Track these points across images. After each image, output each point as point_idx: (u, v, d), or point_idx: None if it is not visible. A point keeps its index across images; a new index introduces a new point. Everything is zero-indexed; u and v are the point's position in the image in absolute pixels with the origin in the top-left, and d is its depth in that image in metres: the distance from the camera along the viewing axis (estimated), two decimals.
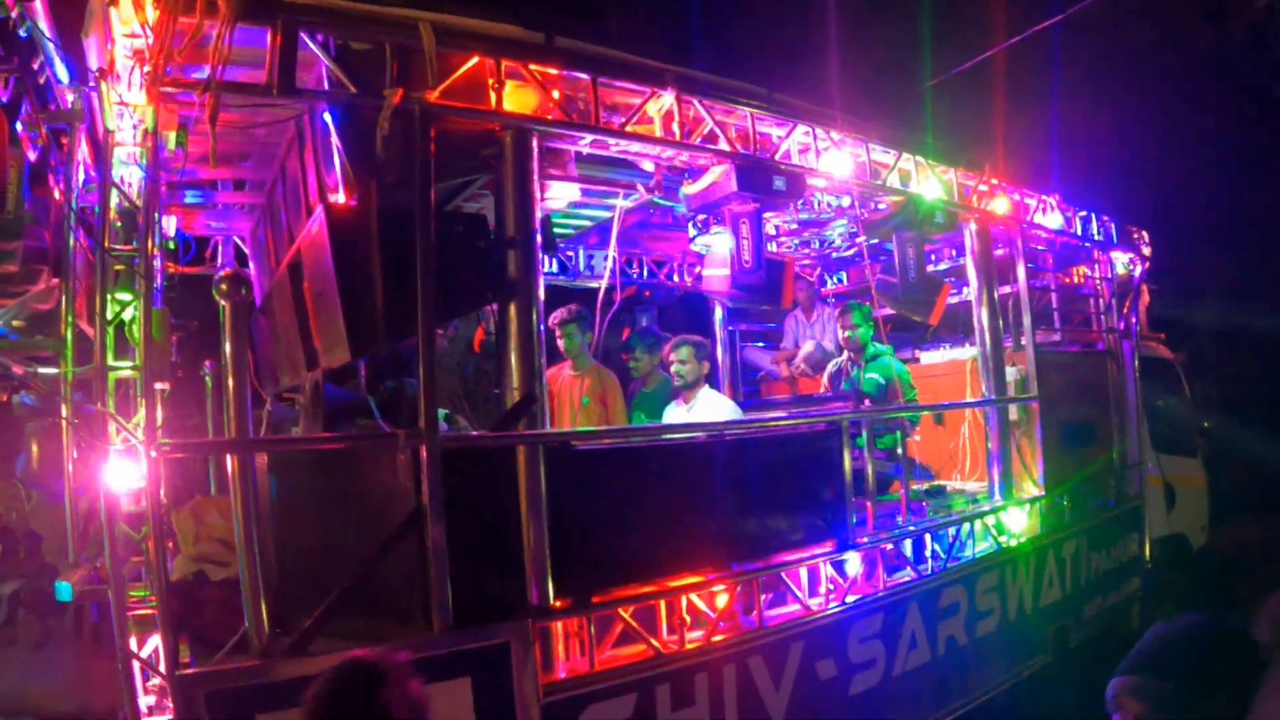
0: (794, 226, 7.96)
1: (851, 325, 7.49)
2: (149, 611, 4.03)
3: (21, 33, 5.01)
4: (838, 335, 7.97)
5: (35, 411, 6.87)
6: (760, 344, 9.88)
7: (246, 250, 7.31)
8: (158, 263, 4.53)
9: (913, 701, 5.99)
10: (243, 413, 3.82)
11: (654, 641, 4.57)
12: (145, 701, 3.90)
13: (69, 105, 5.53)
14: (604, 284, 5.77)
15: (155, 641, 4.58)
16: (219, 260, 7.43)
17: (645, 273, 9.15)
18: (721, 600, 4.85)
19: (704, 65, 5.18)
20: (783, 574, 5.17)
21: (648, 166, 5.43)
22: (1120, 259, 9.15)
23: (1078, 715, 6.79)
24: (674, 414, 6.41)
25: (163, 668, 3.77)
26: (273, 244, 6.13)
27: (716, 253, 5.80)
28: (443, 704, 3.90)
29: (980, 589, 6.57)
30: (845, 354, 7.77)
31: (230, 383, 3.86)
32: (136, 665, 3.85)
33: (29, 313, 5.98)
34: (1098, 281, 8.95)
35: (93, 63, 4.72)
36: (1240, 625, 2.67)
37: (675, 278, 9.38)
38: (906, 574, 6.00)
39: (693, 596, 4.74)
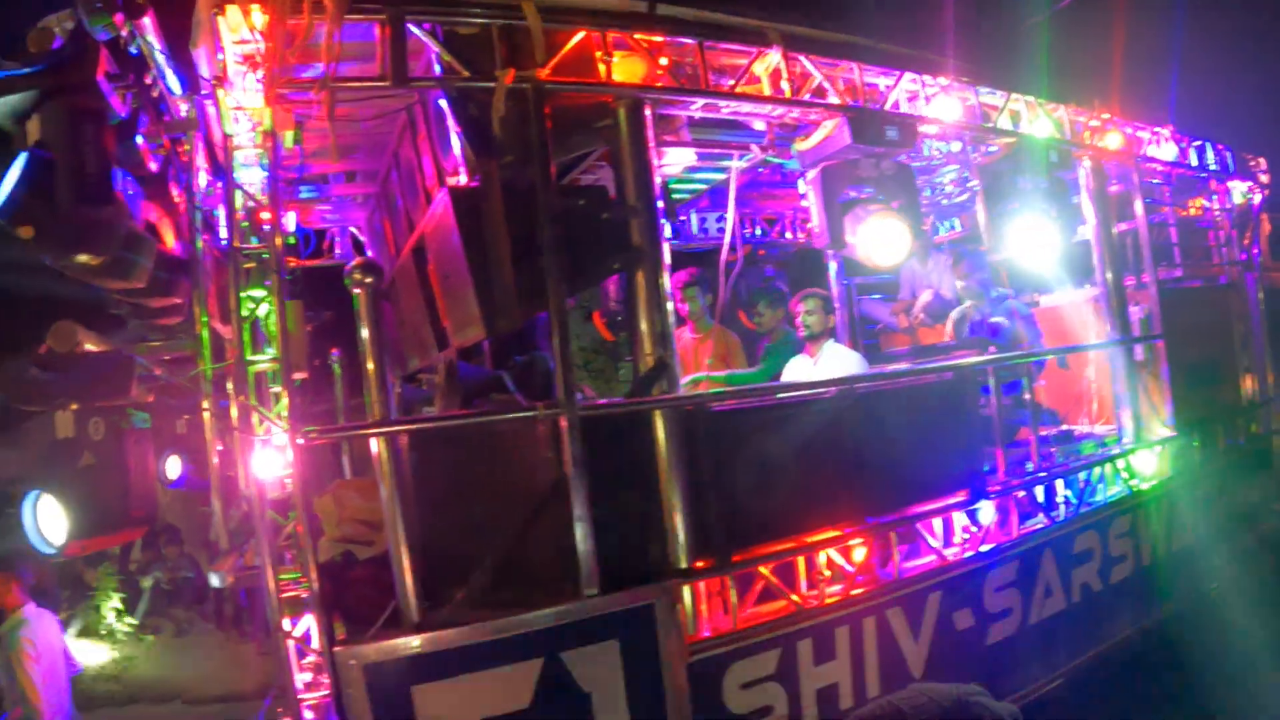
0: None
1: (964, 274, 7.36)
2: (300, 593, 4.21)
3: (133, 49, 5.21)
4: (954, 284, 7.84)
5: (176, 410, 7.20)
6: (877, 296, 9.76)
7: (363, 239, 7.52)
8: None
9: (1048, 650, 5.93)
10: (384, 396, 3.94)
11: (794, 597, 4.63)
12: (301, 679, 4.06)
13: (183, 115, 5.74)
14: (725, 244, 5.78)
15: (307, 621, 4.80)
16: (337, 251, 7.65)
17: (758, 231, 9.15)
18: (859, 554, 4.87)
19: (805, 16, 5.14)
20: (917, 525, 5.15)
21: (758, 126, 5.42)
22: (1238, 188, 8.78)
23: (1211, 662, 6.66)
24: (799, 367, 6.40)
25: (317, 645, 3.95)
26: (390, 231, 6.30)
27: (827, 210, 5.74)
28: (592, 667, 4.03)
29: (1113, 534, 6.45)
30: (968, 301, 7.65)
31: (370, 367, 3.99)
32: (292, 645, 4.02)
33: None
34: (1216, 213, 8.63)
35: (204, 71, 4.88)
36: None
37: (788, 234, 9.34)
38: (1039, 521, 5.92)
39: (830, 551, 4.78)
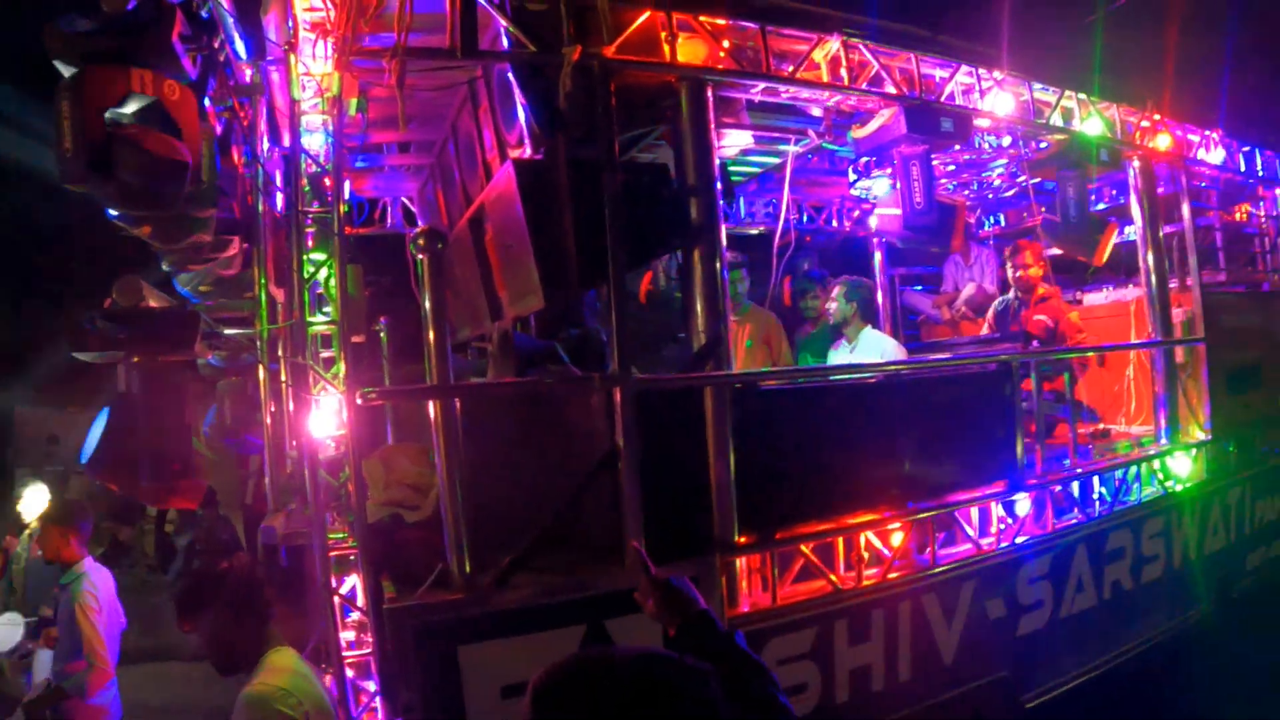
0: (952, 168, 7.87)
1: (1024, 264, 7.39)
2: (347, 552, 4.31)
3: (204, 13, 5.30)
4: (998, 276, 7.87)
5: (221, 371, 7.34)
6: (919, 288, 9.81)
7: (414, 210, 7.60)
8: None
9: (1078, 645, 5.98)
10: (444, 360, 4.00)
11: (833, 577, 4.69)
12: (344, 637, 4.13)
13: (247, 80, 5.84)
14: (779, 229, 5.83)
15: (353, 580, 4.90)
16: (388, 221, 7.75)
17: (804, 218, 9.18)
18: (897, 539, 4.93)
19: (863, 6, 5.19)
20: (955, 513, 5.21)
21: (815, 112, 5.47)
22: None
23: (1237, 667, 6.68)
24: (836, 354, 6.47)
25: (361, 603, 4.05)
26: (444, 202, 6.38)
27: (887, 195, 5.80)
28: (634, 636, 4.10)
29: (1146, 534, 6.48)
30: (1012, 292, 7.67)
31: (430, 333, 4.03)
32: (338, 602, 4.10)
33: (214, 278, 6.37)
34: (1262, 219, 8.60)
35: (272, 38, 4.96)
36: None
37: (834, 222, 9.38)
38: (1074, 516, 5.96)
39: (869, 534, 4.84)
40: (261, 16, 4.86)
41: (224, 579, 3.47)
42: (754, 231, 8.47)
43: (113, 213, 4.37)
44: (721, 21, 4.68)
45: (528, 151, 4.41)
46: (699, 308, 4.40)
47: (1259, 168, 8.27)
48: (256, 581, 3.55)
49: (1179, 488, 6.76)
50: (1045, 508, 5.68)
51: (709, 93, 4.55)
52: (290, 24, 4.30)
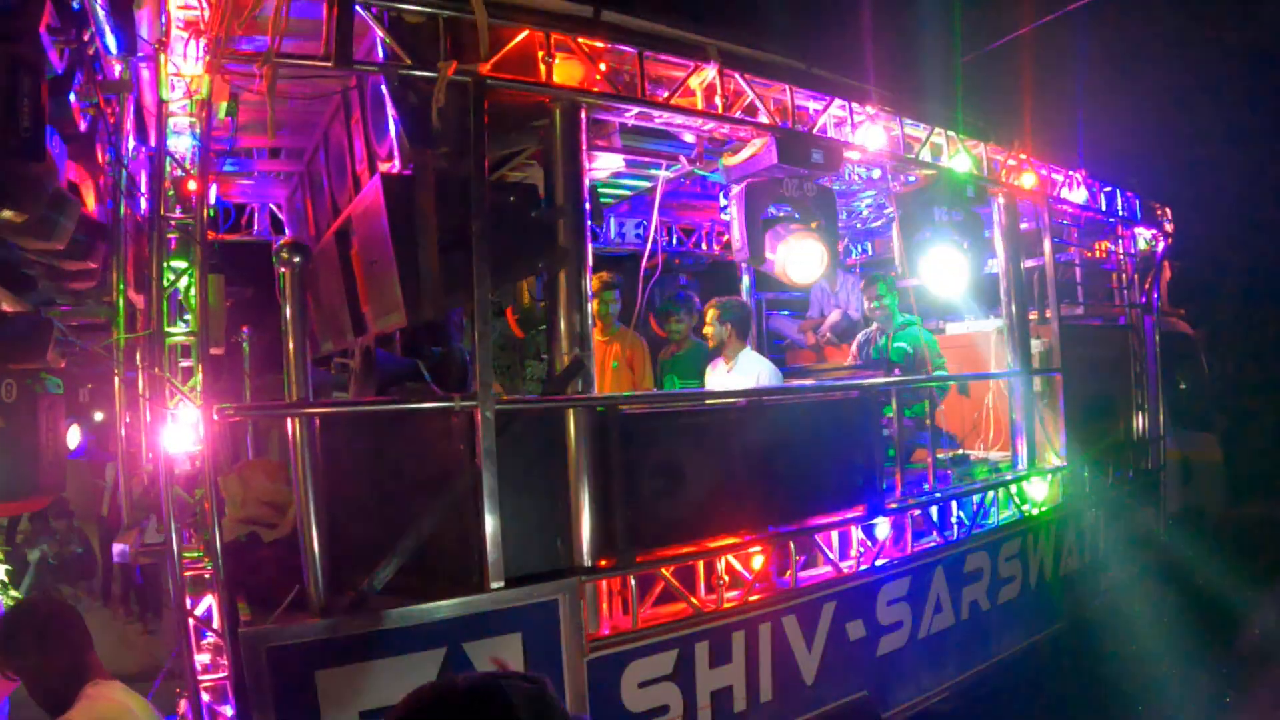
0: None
1: (876, 296, 7.62)
2: (202, 572, 4.17)
3: (75, 4, 5.11)
4: (863, 305, 8.09)
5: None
6: (786, 313, 10.02)
7: (282, 218, 7.44)
8: None
9: (937, 663, 6.16)
10: (303, 377, 3.92)
11: (693, 600, 4.73)
12: (199, 660, 4.01)
13: (116, 76, 5.64)
14: (647, 252, 5.88)
15: (208, 601, 4.74)
16: (255, 228, 7.56)
17: (675, 240, 9.27)
18: (757, 561, 5.00)
19: (742, 35, 5.28)
20: (816, 537, 5.31)
21: (688, 138, 5.54)
22: (1143, 234, 9.24)
23: (1088, 681, 7.01)
24: (714, 375, 6.55)
25: (216, 625, 3.93)
26: (312, 211, 6.25)
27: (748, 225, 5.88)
28: (494, 659, 4.07)
29: (1003, 556, 6.72)
30: (874, 324, 7.89)
31: (290, 347, 3.95)
32: (192, 624, 3.97)
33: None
34: (1121, 256, 9.04)
35: (144, 34, 4.80)
36: None
37: (704, 245, 9.49)
38: (933, 539, 6.14)
39: (730, 558, 4.89)
40: (135, 11, 4.71)
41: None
42: (624, 253, 8.54)
43: None
44: (600, 44, 4.70)
45: (397, 165, 4.35)
46: (563, 328, 4.39)
47: (1119, 207, 8.69)
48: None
49: (1035, 511, 7.03)
50: (905, 531, 5.84)
51: (583, 115, 4.56)
52: (163, 21, 4.16)
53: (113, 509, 9.94)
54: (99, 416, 9.46)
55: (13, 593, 11.11)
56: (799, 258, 5.33)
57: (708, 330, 6.54)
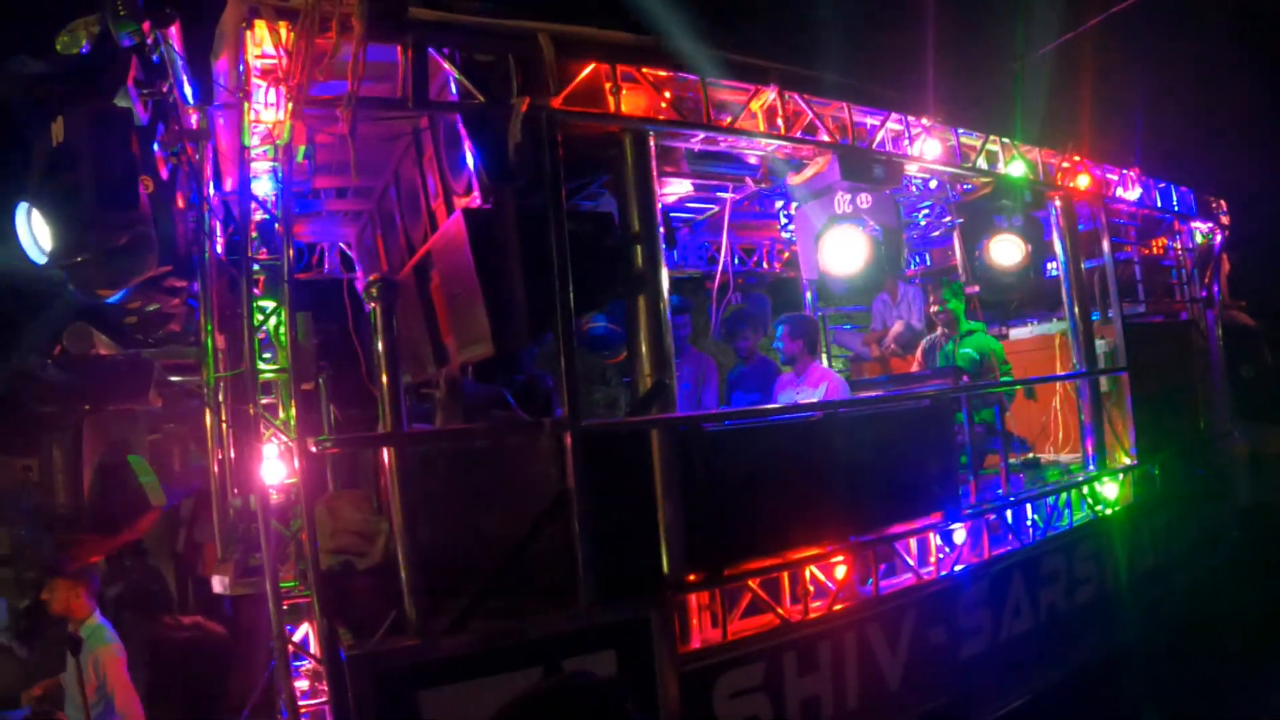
0: None
1: (941, 300, 7.66)
2: (297, 601, 4.30)
3: (155, 58, 5.31)
4: (924, 313, 8.13)
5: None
6: (849, 326, 10.07)
7: (352, 255, 7.62)
8: None
9: (1016, 667, 6.16)
10: (398, 407, 4.06)
11: (779, 611, 4.81)
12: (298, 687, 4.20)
13: (193, 125, 5.84)
14: (719, 273, 6.00)
15: (304, 629, 4.88)
16: (325, 266, 7.75)
17: (736, 260, 9.31)
18: (840, 571, 5.07)
19: (798, 57, 5.39)
20: (895, 544, 5.37)
21: (752, 160, 5.65)
22: (1200, 229, 9.19)
23: (1167, 683, 6.93)
24: (785, 391, 6.63)
25: (315, 650, 4.05)
26: (383, 248, 6.42)
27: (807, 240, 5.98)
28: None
29: (1078, 557, 6.72)
30: (939, 329, 7.93)
31: (384, 379, 4.10)
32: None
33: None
34: (1179, 252, 9.00)
35: (224, 83, 4.98)
36: None
37: (764, 264, 9.57)
38: (1008, 543, 6.16)
39: (813, 568, 4.97)
40: (212, 61, 4.89)
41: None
42: (686, 275, 8.64)
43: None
44: (663, 73, 4.84)
45: (476, 200, 4.49)
46: (644, 351, 4.51)
47: (1174, 202, 8.67)
48: None
49: (1108, 512, 7.02)
50: (981, 536, 5.88)
51: (651, 142, 4.69)
52: (241, 70, 4.34)
53: (189, 544, 10.11)
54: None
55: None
56: (840, 247, 5.40)
57: (777, 346, 6.61)
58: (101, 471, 4.81)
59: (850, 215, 5.53)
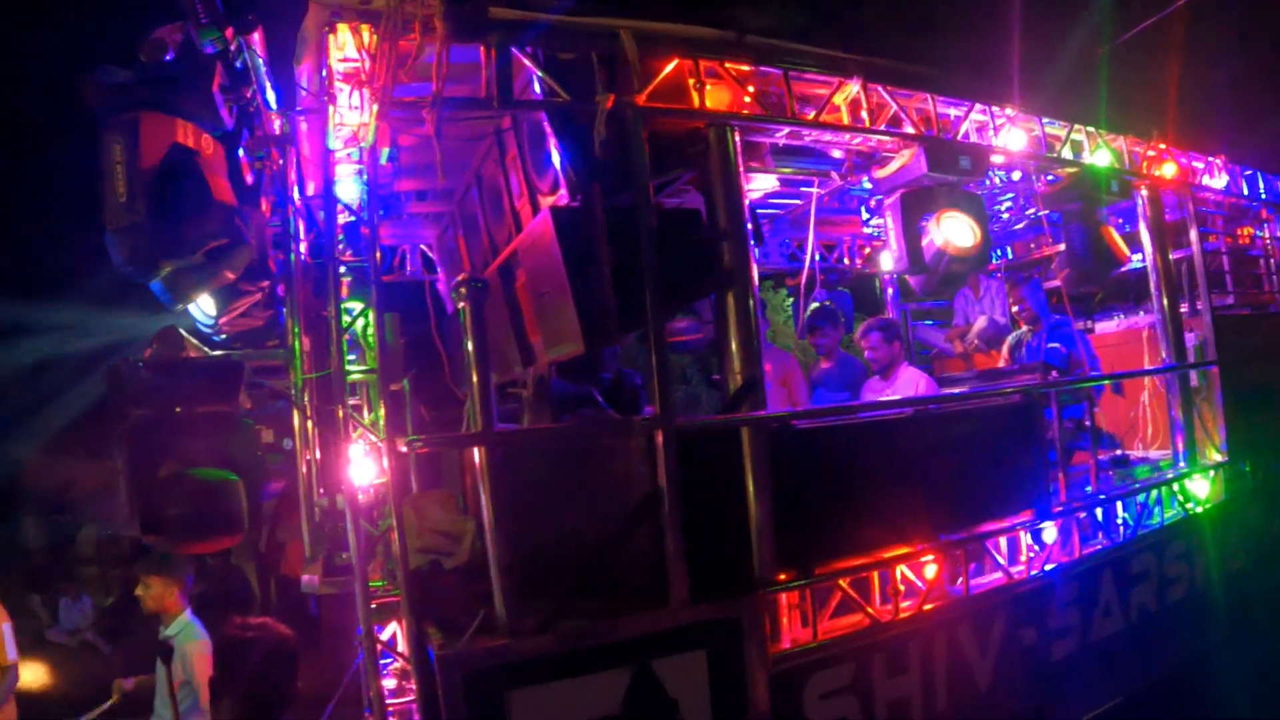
0: None
1: (1021, 298, 7.51)
2: (384, 600, 4.33)
3: (238, 64, 5.39)
4: (1008, 306, 7.99)
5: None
6: (930, 322, 9.94)
7: (434, 257, 7.68)
8: None
9: (1106, 669, 6.02)
10: (488, 407, 4.06)
11: (870, 610, 4.74)
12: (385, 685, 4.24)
13: (276, 130, 5.92)
14: (805, 269, 5.94)
15: (391, 628, 4.92)
16: (408, 268, 7.83)
17: (817, 257, 9.21)
18: (930, 571, 4.99)
19: (869, 40, 5.31)
20: (986, 543, 5.27)
21: (835, 153, 5.58)
22: None
23: (1259, 688, 6.71)
24: (874, 390, 6.55)
25: (403, 649, 4.07)
26: (465, 248, 6.45)
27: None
28: (680, 675, 4.15)
29: (1169, 556, 6.55)
30: (1024, 326, 7.79)
31: (474, 378, 4.09)
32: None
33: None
34: (1267, 241, 8.73)
35: (305, 88, 5.04)
36: None
37: (845, 260, 9.47)
38: (1099, 542, 6.03)
39: (903, 567, 4.90)
40: (295, 67, 4.95)
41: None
42: (766, 272, 8.58)
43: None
44: (746, 67, 4.79)
45: (563, 198, 4.48)
46: (734, 349, 4.47)
47: (1261, 190, 8.42)
48: None
49: (1199, 509, 6.83)
50: (1071, 534, 5.75)
51: (736, 137, 4.65)
52: (324, 75, 4.38)
53: (270, 544, 10.31)
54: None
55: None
56: (955, 228, 5.33)
57: (876, 353, 6.52)
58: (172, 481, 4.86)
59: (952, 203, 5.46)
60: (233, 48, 5.07)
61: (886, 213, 5.41)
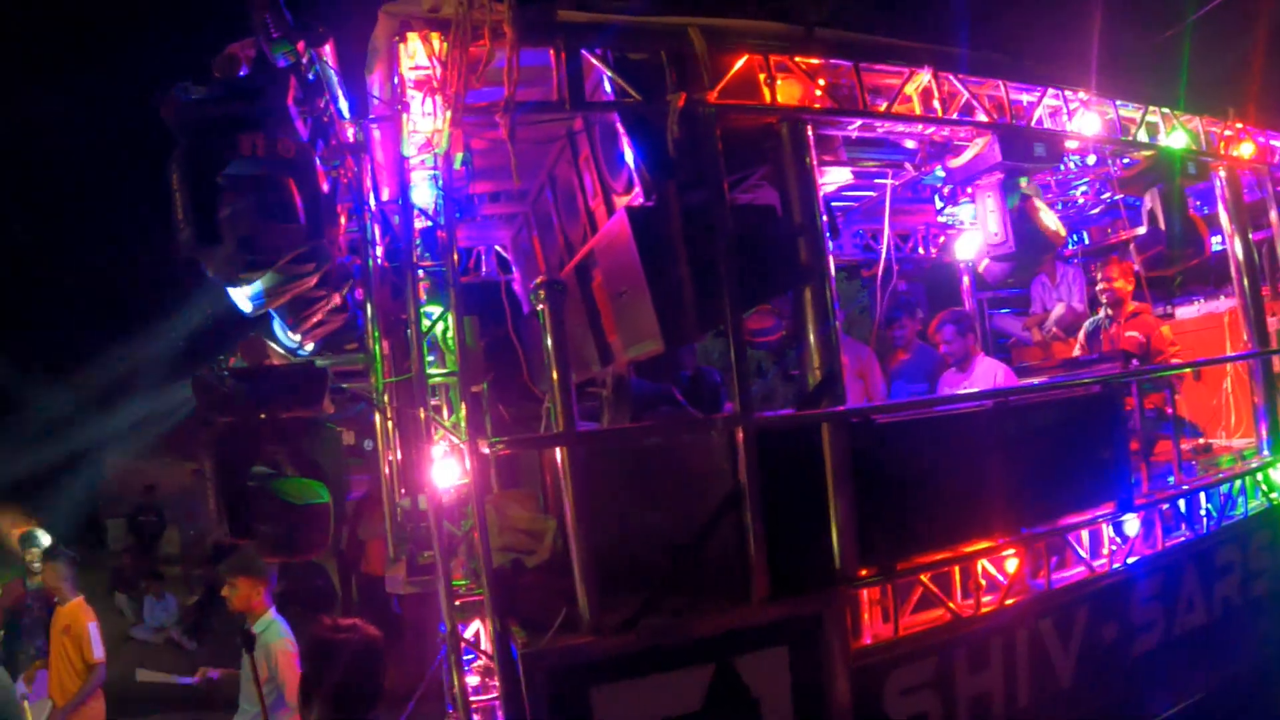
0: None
1: (1110, 279, 7.38)
2: (466, 598, 4.38)
3: (310, 76, 5.49)
4: (1085, 294, 7.86)
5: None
6: (1007, 311, 9.83)
7: (509, 258, 7.76)
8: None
9: (1189, 663, 5.90)
10: (569, 407, 4.09)
11: (951, 605, 4.70)
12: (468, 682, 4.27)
13: (350, 138, 6.02)
14: (881, 260, 5.91)
15: (475, 626, 4.98)
16: (483, 270, 7.92)
17: (891, 246, 9.14)
18: (1011, 565, 4.93)
19: (936, 29, 5.26)
20: (1067, 536, 5.20)
21: (908, 144, 5.54)
22: None
23: None
24: (951, 382, 6.50)
25: (486, 647, 4.12)
26: (540, 249, 6.51)
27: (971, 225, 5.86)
28: (762, 672, 4.15)
29: (1253, 548, 6.39)
30: (1103, 311, 7.66)
31: (554, 378, 4.12)
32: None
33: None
34: None
35: (377, 96, 5.11)
36: None
37: (920, 249, 9.37)
38: (1182, 534, 5.91)
39: (985, 562, 4.84)
40: (366, 76, 5.02)
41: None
42: (841, 264, 8.53)
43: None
44: (816, 61, 4.77)
45: (638, 198, 4.50)
46: (813, 343, 4.46)
47: None
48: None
49: None
50: (1154, 526, 5.64)
51: (809, 131, 4.63)
52: (396, 83, 4.43)
53: (351, 543, 10.51)
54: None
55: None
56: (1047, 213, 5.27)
57: (951, 348, 6.46)
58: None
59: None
60: (305, 60, 5.18)
61: (986, 195, 5.32)
